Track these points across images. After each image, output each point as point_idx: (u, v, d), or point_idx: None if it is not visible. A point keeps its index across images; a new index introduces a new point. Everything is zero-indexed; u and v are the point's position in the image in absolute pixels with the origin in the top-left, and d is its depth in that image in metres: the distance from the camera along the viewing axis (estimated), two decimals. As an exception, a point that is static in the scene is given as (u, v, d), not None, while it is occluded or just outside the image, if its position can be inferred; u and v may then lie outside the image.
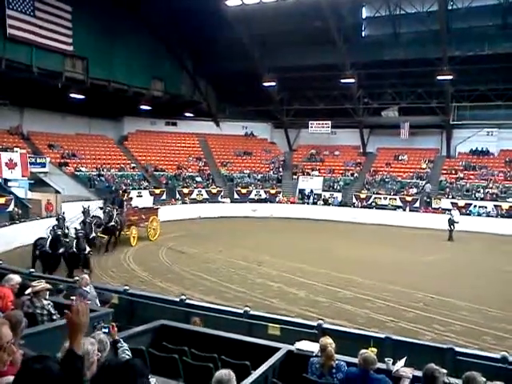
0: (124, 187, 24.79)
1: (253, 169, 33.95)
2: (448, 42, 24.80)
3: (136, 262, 16.10)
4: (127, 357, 3.94)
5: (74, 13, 24.43)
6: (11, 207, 19.26)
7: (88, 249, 13.52)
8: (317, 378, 4.48)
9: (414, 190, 29.32)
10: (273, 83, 30.31)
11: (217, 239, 21.03)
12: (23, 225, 18.60)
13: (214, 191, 30.95)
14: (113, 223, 17.76)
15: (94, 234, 15.71)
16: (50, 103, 26.32)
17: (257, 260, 16.74)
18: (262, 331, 6.46)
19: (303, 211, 29.59)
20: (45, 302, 5.49)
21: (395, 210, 28.47)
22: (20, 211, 19.40)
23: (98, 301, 7.05)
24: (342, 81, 28.50)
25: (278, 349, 4.97)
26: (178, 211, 27.36)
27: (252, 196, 31.41)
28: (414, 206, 28.33)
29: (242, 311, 7.16)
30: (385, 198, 29.22)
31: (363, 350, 4.36)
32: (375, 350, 4.71)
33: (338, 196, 30.68)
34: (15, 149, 23.66)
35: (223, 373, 3.02)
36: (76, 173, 26.73)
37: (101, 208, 18.65)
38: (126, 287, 8.47)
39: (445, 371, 4.01)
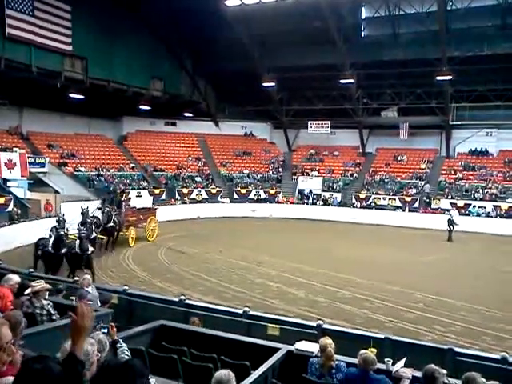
0: (122, 187, 24.77)
1: (252, 169, 33.95)
2: (447, 43, 24.82)
3: (135, 262, 16.10)
4: (126, 357, 3.93)
5: (73, 12, 24.39)
6: (10, 207, 19.24)
7: (91, 249, 13.50)
8: (316, 378, 4.47)
9: (414, 191, 29.33)
10: (272, 83, 30.31)
11: (216, 239, 21.02)
12: (22, 225, 18.59)
13: (214, 191, 30.95)
14: (111, 224, 17.73)
15: (94, 234, 15.69)
16: (50, 103, 26.29)
17: (256, 260, 16.74)
18: (262, 331, 6.46)
19: (303, 211, 29.60)
20: (44, 302, 5.48)
21: (394, 210, 28.48)
22: (19, 211, 19.39)
23: (98, 301, 7.04)
24: (342, 81, 28.51)
25: (277, 349, 4.97)
26: (177, 211, 27.35)
27: (251, 196, 31.41)
28: (414, 206, 28.35)
29: (241, 311, 7.16)
30: (384, 199, 29.24)
31: (363, 351, 4.36)
32: (375, 350, 4.71)
33: (338, 196, 30.69)
34: (14, 149, 23.64)
35: (223, 373, 3.02)
36: (75, 173, 26.71)
37: (99, 208, 18.61)
38: (126, 287, 8.47)
39: (444, 372, 4.01)
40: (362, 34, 30.36)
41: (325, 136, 33.68)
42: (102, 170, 28.25)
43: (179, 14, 26.61)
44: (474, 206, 26.79)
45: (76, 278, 9.60)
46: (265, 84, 30.31)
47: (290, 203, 31.09)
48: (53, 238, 13.17)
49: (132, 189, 26.67)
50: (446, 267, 16.61)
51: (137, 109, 31.76)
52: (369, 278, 14.17)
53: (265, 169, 34.27)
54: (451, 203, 27.17)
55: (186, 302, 7.67)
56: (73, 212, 16.85)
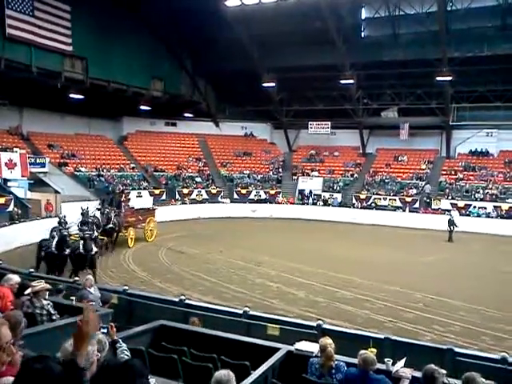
0: (121, 188, 24.74)
1: (252, 169, 33.95)
2: (447, 43, 24.82)
3: (135, 263, 16.10)
4: (126, 357, 3.93)
5: (73, 12, 24.40)
6: (11, 207, 19.24)
7: (95, 249, 13.48)
8: (316, 378, 4.47)
9: (414, 191, 29.33)
10: (272, 84, 30.31)
11: (216, 239, 21.02)
12: (23, 225, 18.60)
13: (214, 191, 30.95)
14: (111, 225, 17.70)
15: (96, 234, 15.66)
16: (50, 103, 26.30)
17: (256, 260, 16.74)
18: (261, 331, 6.46)
19: (303, 212, 29.59)
20: (44, 302, 5.48)
21: (395, 210, 28.46)
22: (20, 211, 19.39)
23: (100, 301, 7.05)
24: (342, 81, 28.52)
25: (277, 349, 4.97)
26: (177, 211, 27.35)
27: (252, 196, 31.40)
28: (414, 206, 28.33)
29: (241, 311, 7.16)
30: (384, 199, 29.22)
31: (363, 351, 4.36)
32: (375, 350, 4.71)
33: (338, 197, 30.67)
34: (15, 149, 23.64)
35: (222, 373, 3.02)
36: (75, 173, 26.71)
37: (98, 209, 18.58)
38: (126, 287, 8.47)
39: (444, 372, 4.02)
40: (362, 35, 30.38)
41: (325, 136, 33.68)
42: (103, 171, 28.25)
43: (179, 14, 26.62)
44: (475, 207, 26.79)
45: (76, 278, 9.60)
46: (265, 84, 30.32)
47: (290, 203, 31.09)
48: (56, 238, 13.12)
49: (132, 189, 26.68)
50: (446, 267, 16.61)
51: (137, 109, 31.76)
52: (368, 278, 14.17)
53: (265, 169, 34.27)
54: (451, 204, 27.16)
55: (186, 302, 7.67)
56: (73, 212, 16.85)
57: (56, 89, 24.63)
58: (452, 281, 14.59)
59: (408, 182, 30.40)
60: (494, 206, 26.32)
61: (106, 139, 32.23)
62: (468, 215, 26.42)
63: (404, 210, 28.21)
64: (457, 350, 5.83)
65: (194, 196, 30.19)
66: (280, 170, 34.07)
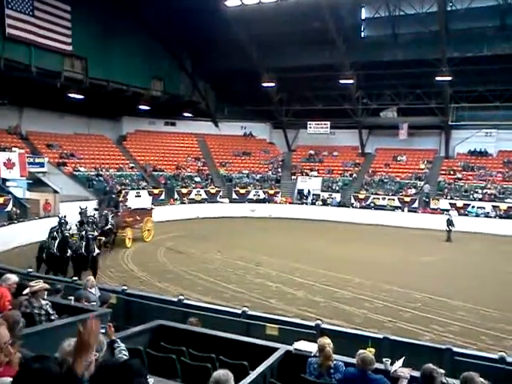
0: (119, 188, 24.70)
1: (251, 169, 33.95)
2: (447, 43, 24.87)
3: (134, 263, 16.08)
4: (124, 357, 3.93)
5: (73, 12, 24.40)
6: (9, 207, 19.23)
7: (97, 251, 13.43)
8: (315, 378, 4.48)
9: (413, 191, 29.35)
10: (272, 83, 30.33)
11: (215, 239, 21.02)
12: (21, 225, 18.57)
13: (213, 191, 30.96)
14: (109, 226, 17.66)
15: (95, 234, 15.63)
16: (49, 103, 26.29)
17: (255, 260, 16.74)
18: (260, 331, 6.46)
19: (302, 211, 29.61)
20: (43, 302, 5.47)
21: (394, 210, 28.50)
22: (18, 211, 19.37)
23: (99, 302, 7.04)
24: (341, 81, 28.55)
25: (276, 349, 4.97)
26: (176, 211, 27.35)
27: (251, 196, 31.41)
28: (413, 206, 28.38)
29: (240, 311, 7.16)
30: (383, 199, 29.26)
31: (361, 351, 4.36)
32: (373, 350, 4.70)
33: (337, 196, 30.70)
34: (13, 148, 23.64)
35: (221, 373, 3.02)
36: (74, 173, 26.69)
37: (96, 209, 18.51)
38: (124, 287, 8.46)
39: (443, 371, 4.02)
40: (362, 35, 30.43)
41: (324, 136, 33.70)
42: (102, 170, 28.23)
43: (179, 14, 26.59)
44: (473, 207, 26.82)
45: (75, 278, 9.58)
46: (264, 84, 30.33)
47: (289, 203, 31.09)
48: (58, 240, 13.05)
49: (131, 189, 26.67)
50: (445, 267, 16.62)
51: (136, 109, 31.77)
52: (367, 278, 14.17)
53: (264, 169, 34.27)
54: (450, 203, 27.21)
55: (185, 301, 7.67)
56: (72, 212, 16.82)
57: (55, 88, 24.62)
58: (451, 281, 14.60)
59: (407, 181, 30.43)
60: (493, 206, 26.37)
61: (106, 139, 32.21)
62: (467, 215, 26.47)
63: (403, 210, 28.24)
64: (455, 349, 5.83)
65: (192, 196, 30.19)
66: (279, 169, 34.08)
